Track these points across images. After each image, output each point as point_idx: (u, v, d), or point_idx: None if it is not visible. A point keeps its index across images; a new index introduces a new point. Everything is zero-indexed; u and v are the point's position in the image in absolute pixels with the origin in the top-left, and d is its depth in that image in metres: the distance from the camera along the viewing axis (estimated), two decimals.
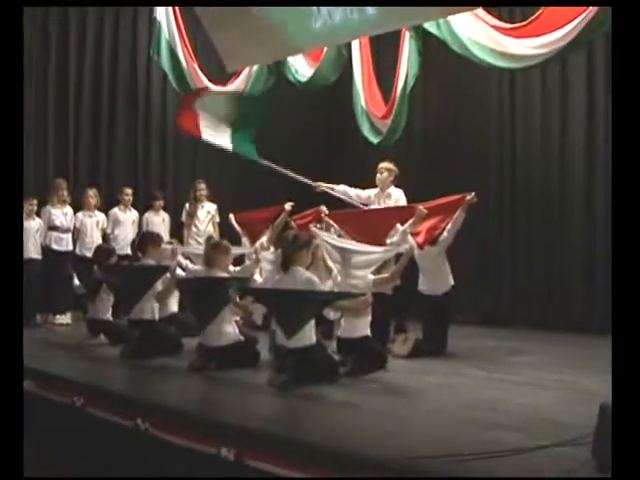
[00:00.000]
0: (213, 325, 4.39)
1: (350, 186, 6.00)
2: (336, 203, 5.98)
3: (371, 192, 5.86)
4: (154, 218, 7.22)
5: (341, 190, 5.99)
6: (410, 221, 4.92)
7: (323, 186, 6.02)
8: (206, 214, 7.23)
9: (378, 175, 5.75)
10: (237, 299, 4.33)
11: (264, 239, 6.35)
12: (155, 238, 5.30)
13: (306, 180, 6.08)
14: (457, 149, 7.30)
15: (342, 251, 4.55)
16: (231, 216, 6.68)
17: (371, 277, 4.47)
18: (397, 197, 5.72)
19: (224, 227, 7.06)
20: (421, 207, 4.97)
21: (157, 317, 5.05)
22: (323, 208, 5.73)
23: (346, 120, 7.97)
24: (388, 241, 4.93)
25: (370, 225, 5.16)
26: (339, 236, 5.08)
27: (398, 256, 4.61)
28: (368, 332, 4.37)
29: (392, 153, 7.29)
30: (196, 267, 5.10)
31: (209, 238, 5.17)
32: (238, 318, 5.08)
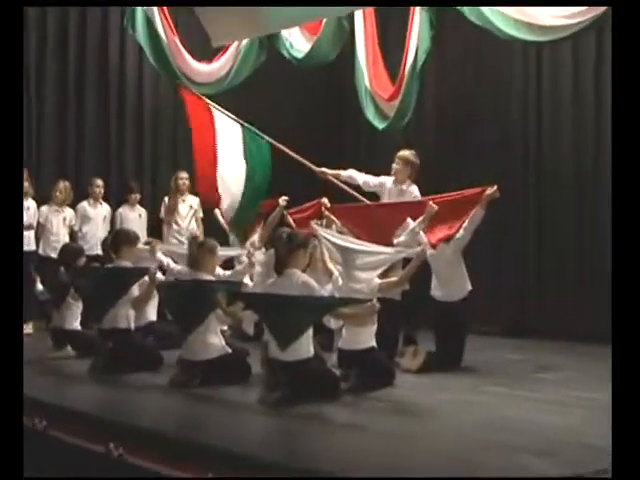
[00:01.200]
0: (197, 335, 4.41)
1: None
2: (338, 196, 6.03)
3: (384, 180, 5.78)
4: (129, 213, 7.22)
5: (347, 176, 5.91)
6: (420, 218, 4.95)
7: (328, 172, 5.98)
8: (188, 209, 7.25)
9: (393, 164, 5.71)
10: (225, 305, 4.34)
11: (255, 237, 6.40)
12: (130, 236, 5.31)
13: (310, 165, 6.05)
14: (475, 135, 7.29)
15: (345, 251, 4.57)
16: (217, 211, 6.70)
17: (377, 281, 4.50)
18: (411, 196, 5.65)
19: (209, 224, 7.09)
20: (431, 203, 4.99)
21: (133, 326, 5.08)
22: (325, 201, 5.75)
23: (348, 103, 8.04)
24: (395, 241, 4.96)
25: (376, 221, 5.19)
26: (341, 233, 5.10)
27: (406, 258, 4.64)
28: (373, 343, 4.40)
29: (400, 139, 7.31)
30: (178, 267, 5.12)
31: (194, 237, 5.20)
32: (226, 327, 5.10)
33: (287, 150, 6.08)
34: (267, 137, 6.11)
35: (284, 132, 6.36)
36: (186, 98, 6.20)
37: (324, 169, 6.04)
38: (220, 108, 6.12)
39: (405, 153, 5.69)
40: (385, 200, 5.74)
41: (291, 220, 5.98)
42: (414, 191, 5.67)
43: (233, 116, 6.13)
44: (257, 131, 6.12)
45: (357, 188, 5.94)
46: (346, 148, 8.37)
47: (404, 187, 5.67)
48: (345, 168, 6.07)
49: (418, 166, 5.68)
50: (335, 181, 5.98)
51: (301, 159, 6.07)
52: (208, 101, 6.14)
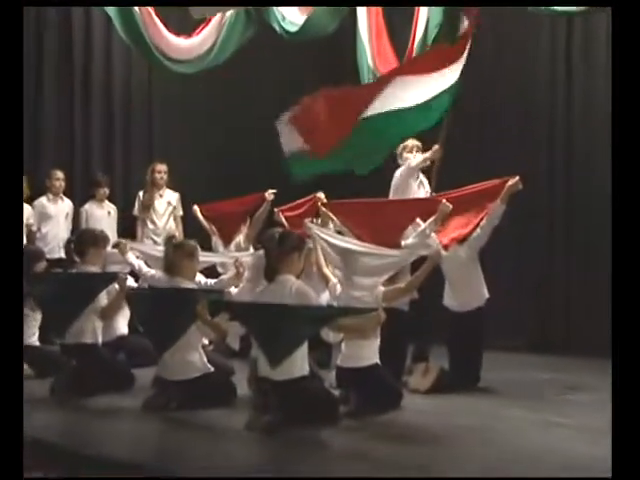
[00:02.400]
0: (175, 352, 4.44)
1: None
2: (337, 191, 6.06)
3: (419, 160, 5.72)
4: (96, 211, 7.22)
5: None
6: (432, 219, 4.96)
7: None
8: (166, 205, 7.27)
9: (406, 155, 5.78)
10: (207, 317, 4.36)
11: (240, 238, 6.43)
12: (98, 237, 5.33)
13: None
14: (495, 121, 7.32)
15: (345, 253, 4.59)
16: (196, 208, 6.73)
17: (381, 288, 4.52)
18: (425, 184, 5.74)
19: (189, 223, 7.12)
20: (445, 201, 5.01)
21: (100, 341, 5.09)
22: (320, 195, 5.80)
23: (347, 83, 8.04)
24: (403, 243, 4.99)
25: (380, 220, 5.20)
26: (339, 233, 5.12)
27: (415, 262, 4.67)
28: (377, 360, 4.43)
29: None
30: (152, 272, 5.14)
31: (170, 237, 5.20)
32: (207, 342, 5.12)
33: None
34: None
35: (271, 119, 6.39)
36: None
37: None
38: None
39: (414, 141, 5.78)
40: (392, 192, 5.77)
41: (283, 218, 6.01)
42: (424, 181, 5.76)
43: None
44: None
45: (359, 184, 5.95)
46: None
47: (421, 179, 5.76)
48: None
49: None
50: None
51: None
52: None
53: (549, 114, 7.08)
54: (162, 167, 7.26)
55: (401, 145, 5.79)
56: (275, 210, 6.16)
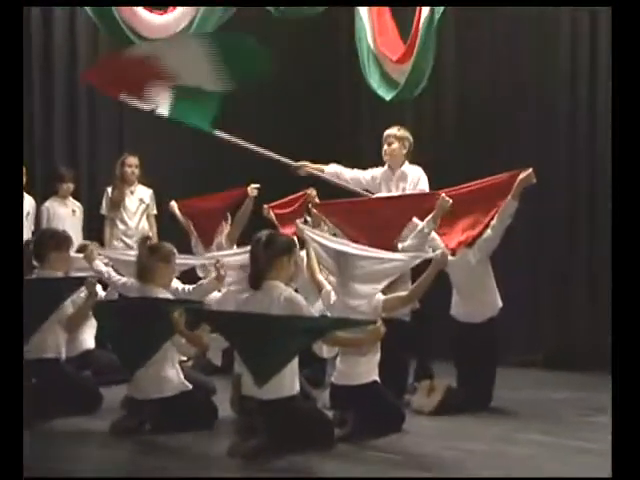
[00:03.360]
0: (148, 369, 4.44)
1: (345, 166, 6.09)
2: (329, 187, 6.07)
3: (376, 172, 5.97)
4: (59, 209, 7.21)
5: (332, 172, 6.08)
6: (430, 216, 4.98)
7: (309, 167, 6.10)
8: (138, 203, 7.26)
9: (385, 147, 5.86)
10: (185, 329, 4.37)
11: (222, 238, 6.42)
12: (60, 239, 5.31)
13: (284, 159, 6.12)
14: (510, 112, 7.30)
15: (340, 257, 4.60)
16: (173, 204, 6.73)
17: (381, 297, 4.54)
18: (415, 178, 5.79)
19: (164, 223, 7.11)
20: (444, 195, 5.03)
21: (64, 356, 5.09)
22: (311, 192, 5.83)
23: (344, 66, 8.07)
24: (400, 245, 5.01)
25: (376, 220, 5.23)
26: (334, 236, 5.14)
27: (418, 266, 4.68)
28: (376, 377, 4.44)
29: (412, 116, 7.29)
30: (123, 279, 5.14)
31: (145, 239, 5.19)
32: (185, 357, 5.11)
33: (253, 146, 6.00)
34: (223, 134, 6.00)
35: (254, 110, 6.44)
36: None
37: (305, 163, 6.10)
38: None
39: (393, 130, 5.85)
40: (384, 193, 5.83)
41: (273, 216, 6.02)
42: (415, 173, 5.80)
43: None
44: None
45: (346, 184, 6.03)
46: (343, 128, 8.38)
47: (403, 170, 5.83)
48: (340, 158, 6.16)
49: (411, 142, 5.86)
50: (320, 174, 6.06)
51: (271, 154, 6.05)
52: None
53: (568, 106, 7.09)
54: (133, 160, 7.24)
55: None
56: (265, 207, 6.16)
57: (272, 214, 6.08)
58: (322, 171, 6.10)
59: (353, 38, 6.69)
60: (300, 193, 6.03)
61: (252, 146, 6.02)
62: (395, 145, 5.82)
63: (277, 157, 6.09)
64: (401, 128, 5.89)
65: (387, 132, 5.87)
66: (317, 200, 5.83)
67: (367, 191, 5.97)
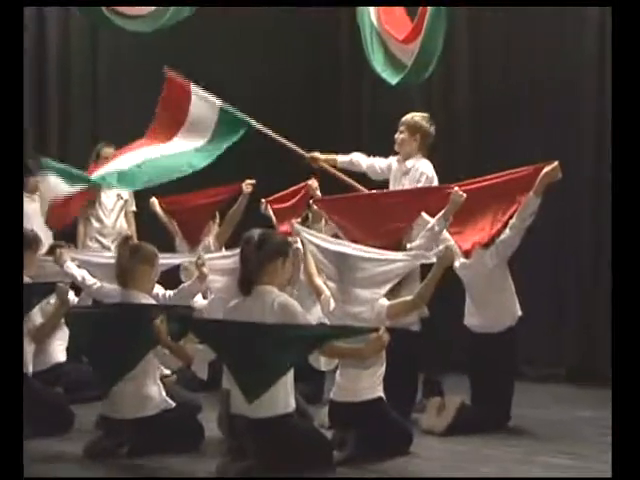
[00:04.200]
0: (126, 384, 4.45)
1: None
2: (332, 180, 6.09)
3: (391, 161, 5.98)
4: (26, 205, 7.20)
5: (346, 161, 6.11)
6: (441, 212, 4.98)
7: (320, 158, 6.13)
8: (115, 199, 7.26)
9: (396, 136, 5.87)
10: (167, 339, 4.38)
11: (210, 239, 6.42)
12: (28, 238, 5.32)
13: (295, 148, 6.17)
14: (529, 99, 7.33)
15: (340, 259, 4.62)
16: (154, 201, 6.75)
17: (384, 302, 4.56)
18: (416, 175, 5.77)
19: (145, 221, 7.13)
20: (457, 189, 5.03)
21: (31, 369, 5.10)
22: (313, 183, 5.87)
23: (345, 47, 8.09)
24: (409, 245, 5.03)
25: (382, 217, 5.23)
26: (336, 237, 5.15)
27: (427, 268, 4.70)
28: (381, 393, 4.45)
29: (421, 101, 7.28)
30: (99, 284, 5.15)
31: (125, 239, 5.19)
32: (168, 371, 5.13)
33: (272, 134, 6.13)
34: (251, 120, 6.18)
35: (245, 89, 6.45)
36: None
37: (315, 154, 6.14)
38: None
39: (412, 117, 5.84)
40: (391, 186, 5.85)
41: (271, 211, 6.04)
42: (424, 168, 5.78)
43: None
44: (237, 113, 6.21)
45: (361, 177, 6.07)
46: (343, 117, 8.40)
47: (409, 164, 5.81)
48: (341, 149, 6.15)
49: (432, 136, 5.83)
50: (330, 170, 6.10)
51: (283, 140, 6.14)
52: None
53: (596, 98, 7.08)
54: (109, 151, 7.21)
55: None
56: (262, 201, 6.16)
57: (270, 210, 6.10)
58: (335, 162, 6.12)
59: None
60: (300, 185, 6.06)
61: (265, 129, 6.12)
62: (404, 135, 5.81)
63: (289, 144, 6.15)
64: (417, 115, 5.87)
65: (404, 118, 5.86)
66: (318, 192, 5.86)
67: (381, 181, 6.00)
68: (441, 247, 4.68)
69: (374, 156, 6.12)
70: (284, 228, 5.66)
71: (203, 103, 6.20)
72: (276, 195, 6.19)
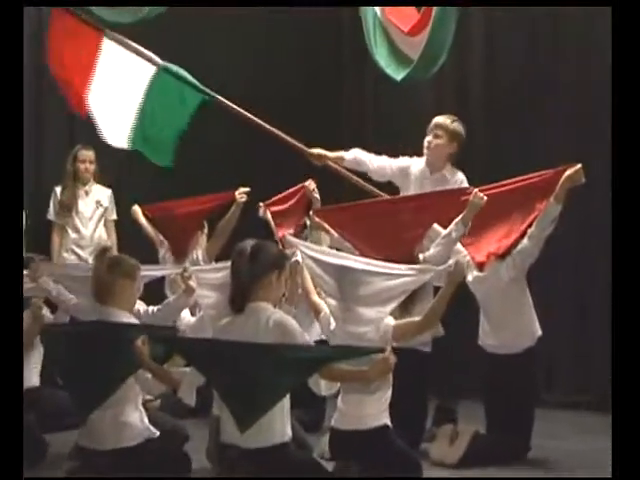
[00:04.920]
0: (105, 411, 4.45)
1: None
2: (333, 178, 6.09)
3: (409, 163, 5.94)
4: None
5: (352, 160, 6.10)
6: (459, 217, 5.00)
7: (327, 156, 6.12)
8: (94, 207, 7.27)
9: (429, 138, 5.85)
10: (151, 361, 4.37)
11: (199, 252, 6.42)
12: None
13: (298, 144, 6.19)
14: (545, 99, 7.34)
15: (342, 273, 4.60)
16: (136, 209, 6.75)
17: (390, 322, 4.55)
18: (457, 185, 5.75)
19: (126, 230, 7.13)
20: (476, 191, 5.04)
21: None
22: (310, 184, 5.92)
23: (346, 39, 8.12)
24: (421, 256, 5.03)
25: (392, 226, 5.25)
26: (337, 250, 5.13)
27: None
28: (387, 420, 4.45)
29: (429, 100, 7.31)
30: (76, 300, 5.14)
31: (102, 250, 5.18)
32: (151, 397, 5.12)
33: (270, 129, 6.18)
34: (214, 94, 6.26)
35: (247, 94, 6.46)
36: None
37: (320, 150, 6.14)
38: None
39: (452, 121, 5.82)
40: (410, 192, 5.83)
41: (270, 216, 6.04)
42: (459, 180, 5.79)
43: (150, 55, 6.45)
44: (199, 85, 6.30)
45: (365, 177, 6.09)
46: (343, 113, 8.41)
47: (447, 175, 5.80)
48: (343, 147, 6.16)
49: (463, 139, 5.84)
50: (337, 168, 6.12)
51: (282, 135, 6.18)
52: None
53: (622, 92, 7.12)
54: (88, 154, 7.26)
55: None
56: (260, 205, 6.17)
57: (269, 214, 6.10)
58: (342, 159, 6.12)
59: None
60: (298, 186, 6.08)
61: (262, 123, 6.19)
62: (442, 140, 5.78)
63: (290, 140, 6.20)
64: (457, 121, 5.85)
65: (436, 120, 5.85)
66: (317, 195, 5.87)
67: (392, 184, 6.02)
68: (451, 261, 4.64)
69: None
70: (283, 232, 5.67)
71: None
72: (273, 199, 6.20)
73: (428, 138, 5.82)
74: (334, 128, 8.11)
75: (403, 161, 5.97)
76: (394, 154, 6.08)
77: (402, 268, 4.60)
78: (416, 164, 5.93)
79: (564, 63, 7.26)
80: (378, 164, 6.02)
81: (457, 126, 5.83)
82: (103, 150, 7.35)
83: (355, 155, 6.09)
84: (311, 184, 5.98)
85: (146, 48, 6.71)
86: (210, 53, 7.69)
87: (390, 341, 4.44)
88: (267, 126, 6.22)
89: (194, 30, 7.56)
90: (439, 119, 5.84)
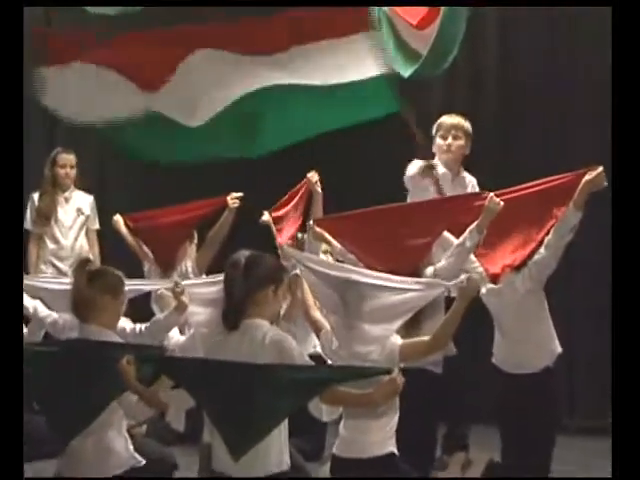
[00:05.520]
0: (87, 438, 4.45)
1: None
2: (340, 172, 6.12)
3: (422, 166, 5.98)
4: None
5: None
6: (474, 224, 5.00)
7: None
8: (74, 215, 7.29)
9: (448, 140, 5.95)
10: (137, 383, 4.35)
11: (188, 264, 6.42)
12: None
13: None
14: (562, 99, 7.41)
15: (344, 287, 4.57)
16: (118, 219, 6.76)
17: (397, 341, 4.54)
18: (474, 190, 5.88)
19: (110, 241, 7.12)
20: (492, 195, 5.05)
21: None
22: (314, 177, 5.97)
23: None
24: (432, 268, 5.04)
25: (395, 237, 5.25)
26: (339, 261, 5.16)
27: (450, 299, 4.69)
28: (393, 447, 4.43)
29: (439, 98, 7.33)
30: (54, 316, 5.13)
31: (82, 262, 5.16)
32: (137, 422, 5.11)
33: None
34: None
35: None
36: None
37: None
38: None
39: (462, 120, 5.97)
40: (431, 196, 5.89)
41: (272, 223, 6.05)
42: (474, 182, 5.96)
43: None
44: None
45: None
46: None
47: (466, 177, 5.97)
48: (354, 155, 6.42)
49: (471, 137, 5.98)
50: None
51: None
52: None
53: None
54: (68, 158, 7.27)
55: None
56: (265, 214, 6.18)
57: (271, 220, 6.13)
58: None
59: None
60: (298, 187, 6.09)
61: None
62: (462, 141, 5.93)
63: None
64: (466, 120, 6.00)
65: (451, 121, 5.95)
66: (319, 188, 5.89)
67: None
68: (463, 276, 4.60)
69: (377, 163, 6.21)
70: (282, 238, 5.68)
71: None
72: (278, 203, 6.20)
73: (448, 141, 5.91)
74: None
75: (414, 165, 6.01)
76: (395, 159, 6.10)
77: (411, 282, 4.58)
78: (440, 166, 6.00)
79: (582, 62, 7.32)
80: None
81: (469, 126, 5.98)
82: (85, 153, 7.39)
83: None
84: (314, 176, 6.01)
85: None
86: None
87: (397, 362, 4.42)
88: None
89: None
90: (453, 120, 5.96)
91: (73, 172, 7.28)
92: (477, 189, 5.86)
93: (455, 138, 5.91)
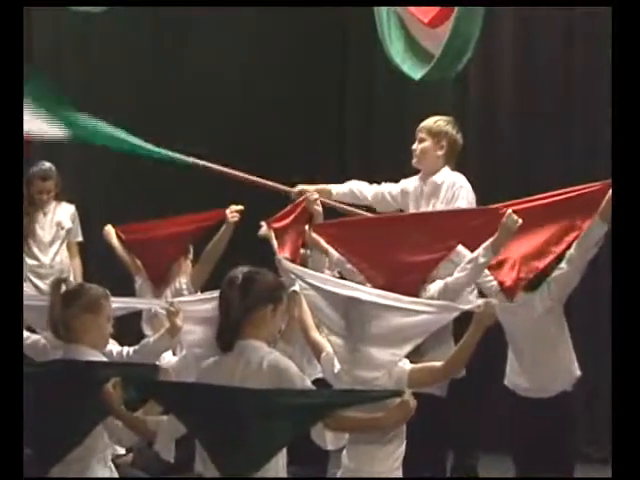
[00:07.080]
0: (70, 465, 4.45)
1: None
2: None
3: (408, 183, 6.05)
4: None
5: (344, 192, 6.24)
6: (489, 241, 4.99)
7: (309, 191, 6.17)
8: (55, 229, 7.29)
9: (413, 146, 5.97)
10: (122, 409, 4.34)
11: (182, 280, 6.42)
12: None
13: (276, 185, 6.29)
14: (585, 103, 7.47)
15: (349, 307, 4.55)
16: (109, 230, 6.76)
17: (406, 366, 4.51)
18: (449, 191, 5.87)
19: (94, 256, 7.11)
20: (510, 211, 5.04)
21: None
22: (313, 195, 5.90)
23: (354, 34, 8.18)
24: (441, 282, 5.07)
25: (400, 248, 5.25)
26: (341, 278, 5.15)
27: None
28: (399, 473, 4.42)
29: (452, 102, 7.36)
30: (35, 337, 5.13)
31: (56, 282, 5.13)
32: (122, 450, 5.10)
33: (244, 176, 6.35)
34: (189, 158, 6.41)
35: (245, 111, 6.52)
36: None
37: (304, 187, 6.24)
38: None
39: (435, 121, 5.98)
40: (412, 211, 5.92)
41: (273, 236, 6.00)
42: (461, 182, 5.88)
43: None
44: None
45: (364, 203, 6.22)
46: (349, 125, 8.45)
47: (438, 179, 5.89)
48: (345, 171, 6.43)
49: (460, 145, 5.96)
50: (329, 202, 6.18)
51: (256, 179, 6.34)
52: None
53: None
54: (45, 186, 7.30)
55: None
56: (263, 224, 6.12)
57: (271, 232, 6.05)
58: (329, 193, 6.25)
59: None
60: (302, 197, 6.07)
61: (236, 172, 6.38)
62: (427, 143, 5.92)
63: (264, 182, 6.37)
64: (441, 119, 6.00)
65: (421, 124, 5.98)
66: (319, 204, 5.89)
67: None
68: (480, 301, 4.55)
69: (383, 181, 6.19)
70: (283, 253, 5.69)
71: None
72: (277, 215, 6.19)
73: (414, 145, 5.97)
74: (335, 129, 8.16)
75: (403, 184, 6.10)
76: (402, 167, 6.11)
77: (423, 303, 4.56)
78: (411, 182, 6.06)
79: (603, 65, 7.35)
80: (376, 192, 6.20)
81: (441, 124, 5.99)
82: (66, 160, 7.39)
83: (351, 187, 6.23)
84: (313, 194, 5.95)
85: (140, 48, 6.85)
86: (210, 53, 7.75)
87: (404, 386, 4.39)
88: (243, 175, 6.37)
89: (189, 29, 7.64)
90: (423, 123, 6.00)
91: (54, 183, 7.28)
92: (460, 190, 5.86)
93: (420, 141, 5.97)
